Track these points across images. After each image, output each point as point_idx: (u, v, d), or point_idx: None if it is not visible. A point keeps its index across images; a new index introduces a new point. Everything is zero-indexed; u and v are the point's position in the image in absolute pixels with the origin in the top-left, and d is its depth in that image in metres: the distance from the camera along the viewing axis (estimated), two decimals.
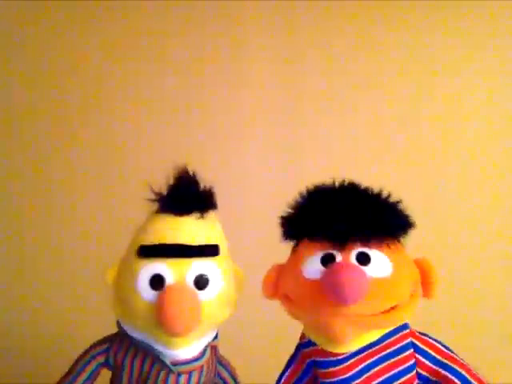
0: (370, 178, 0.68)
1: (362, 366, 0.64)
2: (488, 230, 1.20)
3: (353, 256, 0.63)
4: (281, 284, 0.68)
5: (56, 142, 1.25)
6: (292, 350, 0.72)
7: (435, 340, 0.67)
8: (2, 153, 1.25)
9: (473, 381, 0.64)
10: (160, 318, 0.63)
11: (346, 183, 0.68)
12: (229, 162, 1.24)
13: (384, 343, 0.65)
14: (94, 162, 1.25)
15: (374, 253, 0.63)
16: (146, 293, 0.66)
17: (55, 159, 1.25)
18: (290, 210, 0.68)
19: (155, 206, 0.70)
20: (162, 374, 0.68)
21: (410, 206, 0.67)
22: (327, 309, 0.61)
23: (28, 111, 1.26)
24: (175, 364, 0.68)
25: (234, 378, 0.77)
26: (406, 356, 0.65)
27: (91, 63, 1.26)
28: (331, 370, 0.65)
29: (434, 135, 1.23)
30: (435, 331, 0.68)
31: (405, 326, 0.66)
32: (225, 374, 0.77)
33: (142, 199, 0.70)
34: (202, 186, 0.71)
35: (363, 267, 0.61)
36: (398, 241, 0.66)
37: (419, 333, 0.67)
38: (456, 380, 0.64)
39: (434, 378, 0.65)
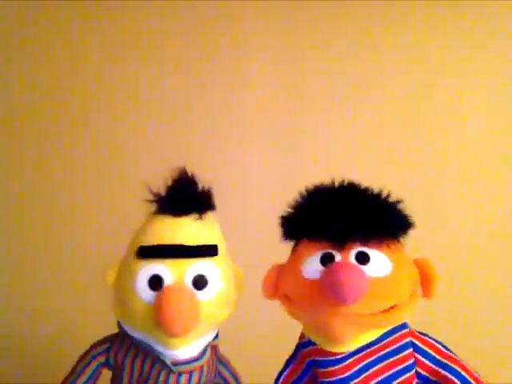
0: (370, 178, 0.68)
1: (361, 365, 0.64)
2: (488, 230, 1.20)
3: (352, 255, 0.63)
4: (280, 284, 0.68)
5: (56, 142, 1.25)
6: (292, 349, 0.72)
7: (435, 340, 0.67)
8: (2, 153, 1.25)
9: (472, 381, 0.64)
10: (158, 318, 0.63)
11: (345, 183, 0.68)
12: (228, 162, 1.24)
13: (383, 342, 0.65)
14: (93, 161, 1.25)
15: (373, 252, 0.63)
16: (145, 293, 0.66)
17: (55, 159, 1.25)
18: (289, 210, 0.68)
19: (154, 206, 0.70)
20: (163, 374, 0.68)
21: (410, 206, 0.67)
22: (326, 308, 0.61)
23: (28, 111, 1.26)
24: (175, 364, 0.68)
25: (235, 377, 0.78)
26: (404, 355, 0.65)
27: (91, 63, 1.26)
28: (330, 369, 0.65)
29: (434, 135, 1.23)
30: (435, 331, 0.68)
31: (404, 326, 0.66)
32: (225, 373, 0.77)
33: (141, 199, 0.70)
34: (200, 186, 0.71)
35: (362, 267, 0.61)
36: (398, 241, 0.66)
37: (419, 332, 0.67)
38: (456, 380, 0.64)
39: (434, 378, 0.65)
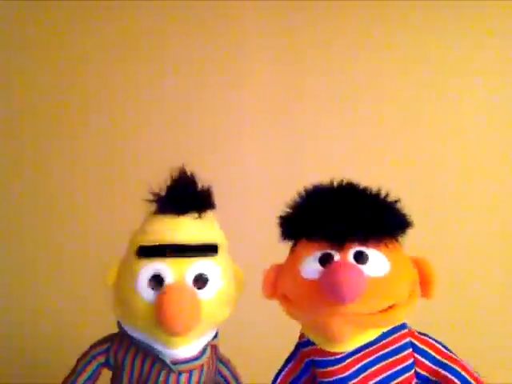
0: (370, 178, 0.68)
1: (360, 365, 0.64)
2: (488, 230, 1.20)
3: (350, 255, 0.63)
4: (279, 284, 0.68)
5: (56, 141, 1.25)
6: (291, 349, 0.72)
7: (435, 340, 0.67)
8: (2, 153, 1.25)
9: (472, 381, 0.64)
10: (159, 317, 0.63)
11: (344, 183, 0.68)
12: (228, 161, 1.24)
13: (382, 343, 0.65)
14: (93, 162, 1.25)
15: (371, 252, 0.63)
16: (146, 293, 0.66)
17: (55, 159, 1.25)
18: (287, 210, 0.68)
19: (154, 206, 0.70)
20: (163, 373, 0.68)
21: (410, 206, 0.67)
22: (325, 308, 0.61)
23: (28, 111, 1.26)
24: (175, 363, 0.68)
25: (235, 376, 0.78)
26: (403, 356, 0.65)
27: (91, 63, 1.26)
28: (329, 369, 0.65)
29: (434, 135, 1.23)
30: (435, 331, 0.68)
31: (403, 326, 0.66)
32: (226, 372, 0.77)
33: (141, 199, 0.70)
34: (199, 185, 0.71)
35: (361, 266, 0.62)
36: (396, 240, 0.66)
37: (419, 333, 0.67)
38: (456, 380, 0.64)
39: (434, 378, 0.65)
